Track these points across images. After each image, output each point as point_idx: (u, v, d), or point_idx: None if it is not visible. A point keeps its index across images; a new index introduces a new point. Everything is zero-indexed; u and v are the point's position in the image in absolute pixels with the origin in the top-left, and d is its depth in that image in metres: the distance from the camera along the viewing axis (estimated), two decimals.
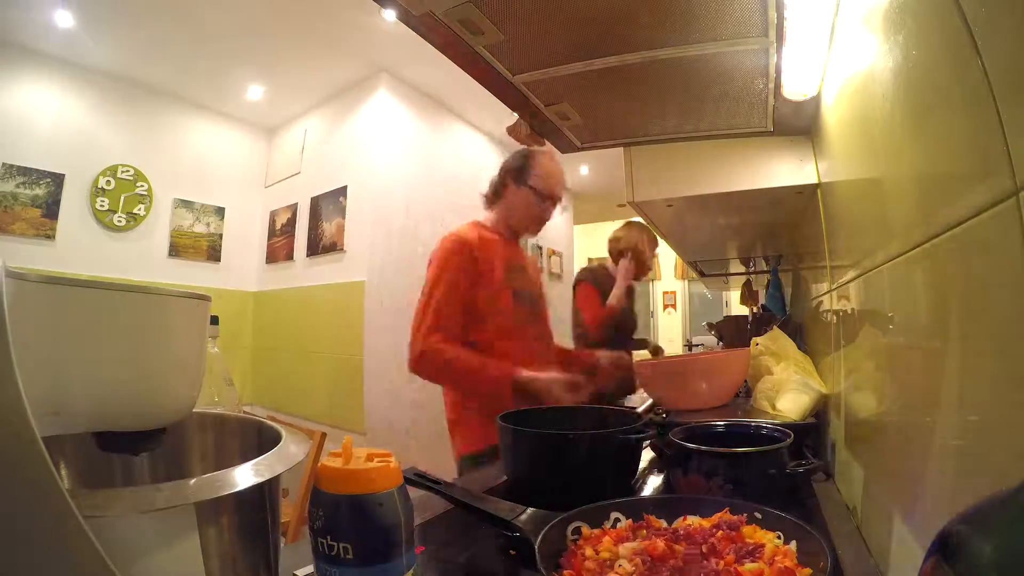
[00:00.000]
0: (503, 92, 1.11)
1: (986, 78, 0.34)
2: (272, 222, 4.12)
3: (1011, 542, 0.20)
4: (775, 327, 1.36)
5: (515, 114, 1.32)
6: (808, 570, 0.46)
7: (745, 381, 1.33)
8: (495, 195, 1.55)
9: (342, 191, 3.50)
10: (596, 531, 0.56)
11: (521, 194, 1.50)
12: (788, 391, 1.09)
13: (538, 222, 1.54)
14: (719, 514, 0.57)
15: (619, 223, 2.54)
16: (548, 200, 1.51)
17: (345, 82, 3.66)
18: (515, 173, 1.51)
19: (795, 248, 1.80)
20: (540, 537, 0.52)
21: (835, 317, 0.98)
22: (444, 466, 1.44)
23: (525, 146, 1.58)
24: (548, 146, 1.54)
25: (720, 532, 0.53)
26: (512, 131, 1.67)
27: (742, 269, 2.99)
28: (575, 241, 6.34)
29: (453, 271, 1.38)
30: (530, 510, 0.61)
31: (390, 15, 0.85)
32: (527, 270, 1.56)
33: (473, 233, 1.45)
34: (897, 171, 0.57)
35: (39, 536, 0.26)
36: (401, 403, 3.13)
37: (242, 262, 4.08)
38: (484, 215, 1.58)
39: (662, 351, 2.67)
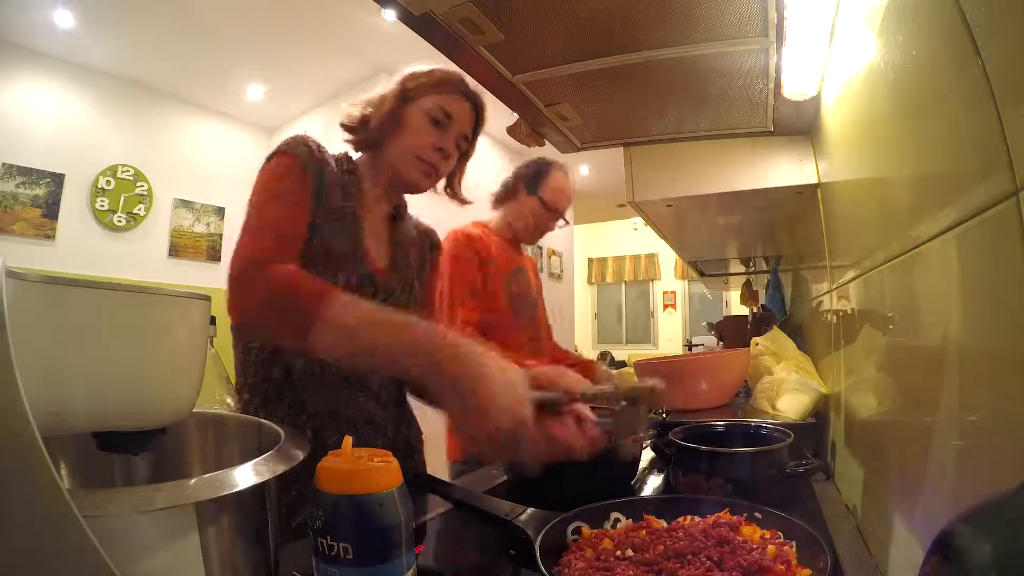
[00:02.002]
0: (503, 92, 1.11)
1: (986, 78, 0.34)
2: None
3: (1011, 542, 0.20)
4: (775, 327, 1.36)
5: (515, 114, 1.32)
6: (808, 570, 0.46)
7: (745, 381, 1.33)
8: (505, 196, 1.56)
9: None
10: (596, 531, 0.56)
11: (530, 203, 1.51)
12: (788, 391, 1.09)
13: (538, 233, 1.56)
14: (719, 514, 0.57)
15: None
16: (553, 213, 1.52)
17: (345, 82, 3.65)
18: (528, 181, 1.52)
19: (795, 248, 1.80)
20: (540, 537, 0.52)
21: (835, 317, 0.98)
22: (443, 466, 1.44)
23: (526, 145, 1.58)
24: (560, 162, 1.56)
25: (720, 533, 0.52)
26: (512, 131, 1.67)
27: (742, 269, 2.99)
28: (575, 241, 6.34)
29: (463, 265, 1.38)
30: (530, 510, 0.61)
31: (390, 15, 0.85)
32: (527, 272, 1.57)
33: (477, 231, 1.46)
34: (897, 171, 0.57)
35: (39, 536, 0.26)
36: None
37: None
38: (486, 215, 1.58)
39: None
